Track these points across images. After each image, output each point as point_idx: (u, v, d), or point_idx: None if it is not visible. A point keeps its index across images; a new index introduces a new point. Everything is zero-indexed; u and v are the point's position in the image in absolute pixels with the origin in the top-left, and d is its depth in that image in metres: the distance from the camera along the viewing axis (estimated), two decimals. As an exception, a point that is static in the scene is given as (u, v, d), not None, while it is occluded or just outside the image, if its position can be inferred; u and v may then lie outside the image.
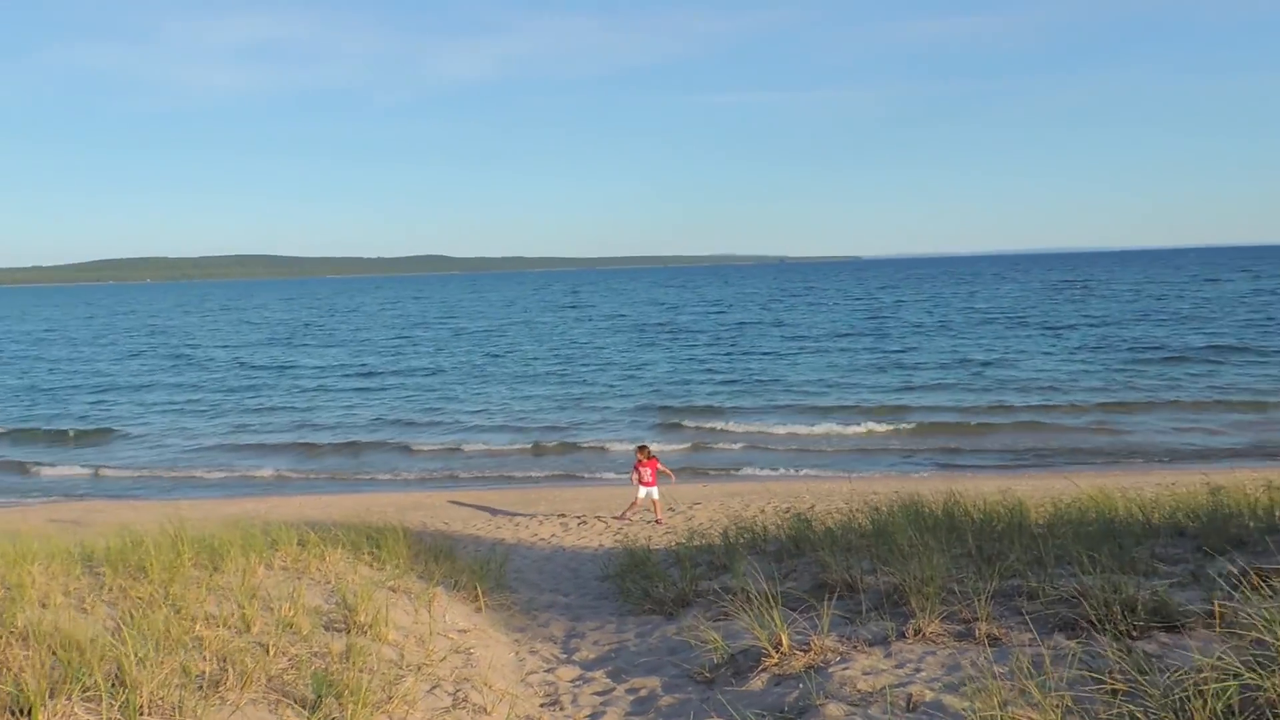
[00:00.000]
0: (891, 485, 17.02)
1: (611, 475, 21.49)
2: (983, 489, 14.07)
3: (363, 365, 45.99)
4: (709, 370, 39.37)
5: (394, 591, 7.92)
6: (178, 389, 39.00)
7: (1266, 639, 3.96)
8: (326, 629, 6.56)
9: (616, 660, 6.82)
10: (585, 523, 15.59)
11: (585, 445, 25.22)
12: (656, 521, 15.23)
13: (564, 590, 10.24)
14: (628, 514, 15.54)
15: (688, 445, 24.78)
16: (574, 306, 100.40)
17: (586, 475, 22.05)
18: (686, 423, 27.73)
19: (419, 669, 6.11)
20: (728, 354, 45.39)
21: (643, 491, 15.46)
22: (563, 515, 16.27)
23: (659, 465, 15.73)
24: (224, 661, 5.41)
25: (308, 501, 18.79)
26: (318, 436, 27.85)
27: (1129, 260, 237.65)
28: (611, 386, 35.73)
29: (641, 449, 16.01)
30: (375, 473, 23.29)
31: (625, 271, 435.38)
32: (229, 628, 6.09)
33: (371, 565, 8.87)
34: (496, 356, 48.13)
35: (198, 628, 5.96)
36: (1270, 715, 3.56)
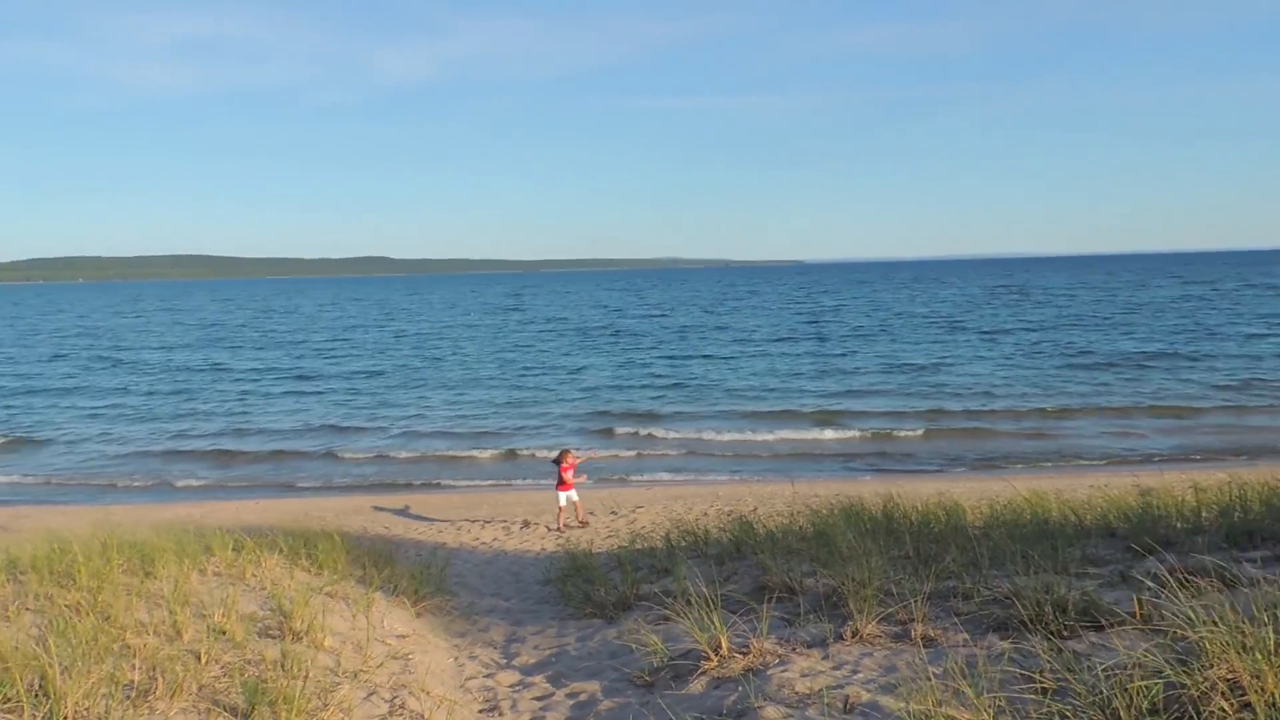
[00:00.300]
0: (833, 488, 17.17)
1: (552, 481, 21.44)
2: (921, 492, 14.29)
3: (299, 368, 45.35)
4: (652, 374, 39.44)
5: (331, 597, 7.81)
6: (106, 392, 38.10)
7: (1190, 636, 4.05)
8: (261, 636, 6.44)
9: (557, 665, 6.80)
10: (527, 526, 15.53)
11: (525, 451, 25.09)
12: (581, 524, 15.28)
13: (505, 594, 10.18)
14: (561, 523, 15.44)
15: (629, 450, 24.79)
16: (516, 309, 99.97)
17: (527, 480, 21.94)
18: (627, 428, 27.70)
19: (355, 675, 6.04)
20: (669, 358, 45.54)
21: (563, 497, 15.48)
22: (504, 520, 16.19)
23: (574, 466, 15.76)
24: (154, 670, 5.29)
25: (244, 506, 18.46)
26: (253, 441, 27.39)
27: (1065, 266, 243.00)
28: (551, 390, 35.64)
29: (563, 453, 16.01)
30: (312, 477, 22.96)
31: (570, 274, 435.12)
32: (159, 635, 5.96)
33: (309, 571, 8.74)
34: (438, 360, 47.74)
35: (127, 636, 5.83)
36: (1193, 712, 3.64)
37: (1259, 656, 3.73)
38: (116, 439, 28.20)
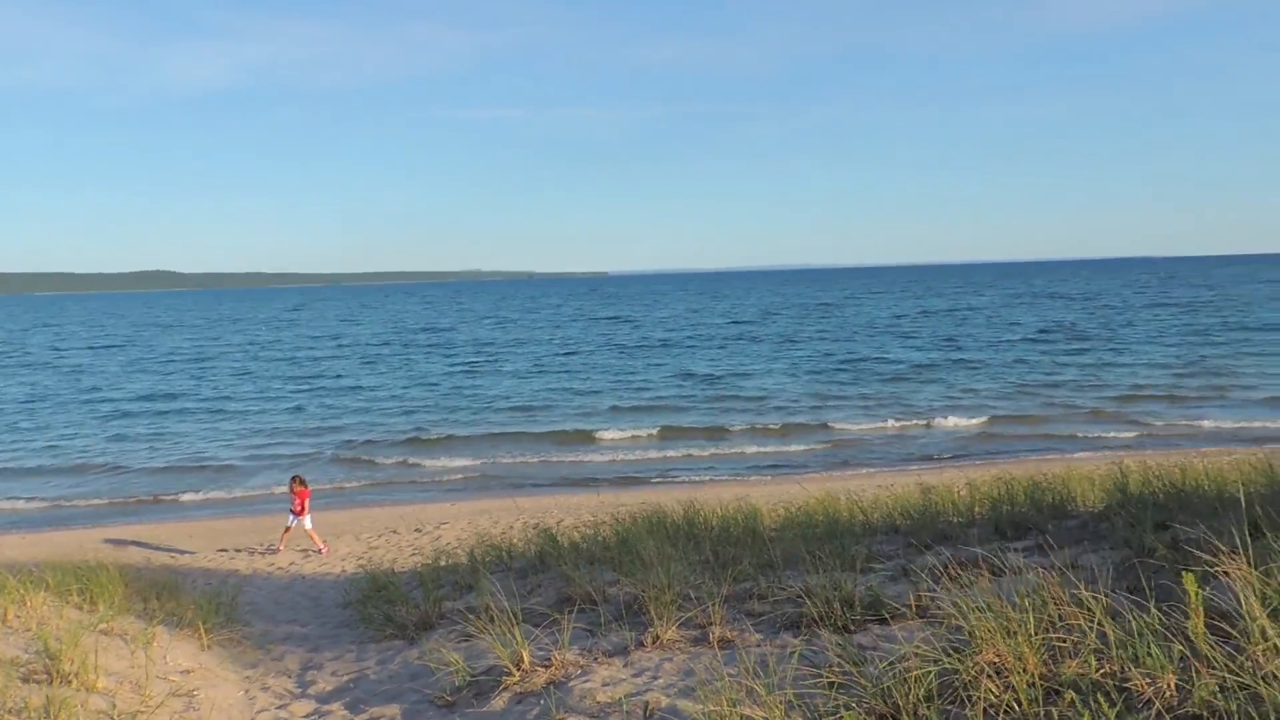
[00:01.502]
0: (638, 496, 17.39)
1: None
2: (722, 496, 14.68)
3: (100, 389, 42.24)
4: (430, 385, 39.39)
5: (106, 634, 7.29)
6: None
7: (962, 625, 4.31)
8: (25, 681, 5.93)
9: (355, 690, 6.57)
10: (323, 550, 14.99)
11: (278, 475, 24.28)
12: (318, 550, 14.92)
13: (302, 620, 9.78)
14: (281, 544, 15.26)
15: (405, 466, 24.48)
16: (296, 324, 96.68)
17: (324, 502, 21.20)
18: (396, 453, 27.14)
19: (134, 717, 5.65)
20: (462, 372, 45.27)
21: (293, 520, 15.20)
22: (301, 545, 15.52)
23: (308, 496, 15.40)
24: (-106, 727, 4.79)
25: (5, 540, 17.00)
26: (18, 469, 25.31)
27: (858, 276, 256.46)
28: (331, 407, 34.75)
29: (295, 480, 15.68)
30: (89, 505, 21.37)
31: (367, 287, 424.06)
32: (-98, 688, 5.40)
33: (81, 607, 8.13)
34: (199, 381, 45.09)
35: None
36: (965, 696, 3.88)
37: (1020, 640, 4.01)
38: None
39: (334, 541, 15.38)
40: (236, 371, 49.22)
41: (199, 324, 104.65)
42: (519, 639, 5.68)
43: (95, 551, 13.87)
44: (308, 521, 15.14)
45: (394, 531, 16.15)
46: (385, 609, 8.47)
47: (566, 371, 44.73)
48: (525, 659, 5.54)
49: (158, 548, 15.68)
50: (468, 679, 5.74)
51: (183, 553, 15.29)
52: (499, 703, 5.30)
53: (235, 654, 7.95)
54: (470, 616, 6.98)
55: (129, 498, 21.84)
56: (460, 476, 23.28)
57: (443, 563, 10.70)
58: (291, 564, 13.95)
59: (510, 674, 5.49)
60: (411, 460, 25.11)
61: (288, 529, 15.20)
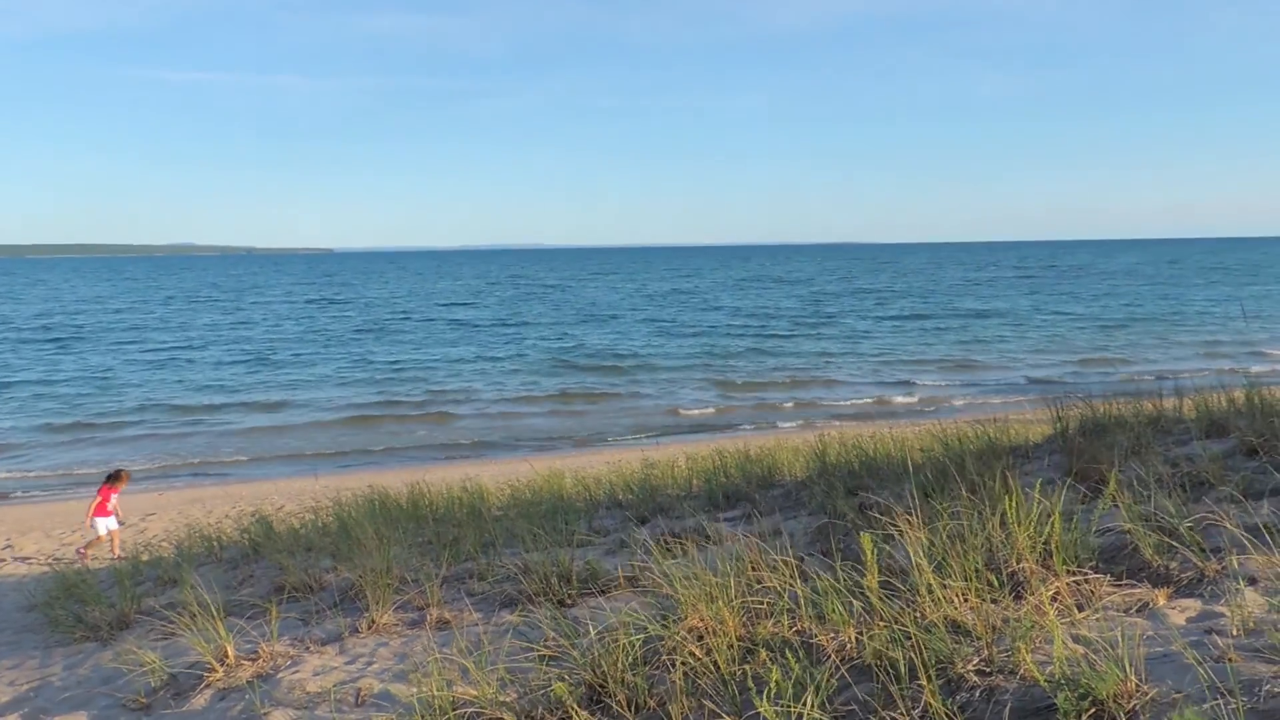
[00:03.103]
0: (364, 480, 16.93)
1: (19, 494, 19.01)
2: (449, 478, 14.53)
3: None
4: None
5: None
6: None
7: (670, 594, 4.49)
8: None
9: (36, 700, 6.01)
10: (11, 546, 13.61)
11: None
12: (117, 558, 12.76)
13: (-24, 628, 8.83)
14: (88, 553, 13.04)
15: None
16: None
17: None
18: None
19: None
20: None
21: (102, 525, 13.28)
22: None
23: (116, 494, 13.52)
24: None
25: None
26: None
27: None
28: None
29: (115, 475, 13.72)
30: None
31: (55, 260, 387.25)
32: None
33: None
34: None
35: None
36: (669, 661, 4.04)
37: (721, 604, 4.23)
38: None
39: (20, 540, 13.98)
40: None
41: None
42: (223, 633, 5.39)
43: None
44: (113, 523, 13.25)
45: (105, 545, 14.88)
46: (76, 610, 7.80)
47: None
48: (230, 653, 5.26)
49: None
50: (165, 678, 5.39)
51: None
52: (200, 701, 5.01)
53: (-111, 670, 7.07)
54: (172, 613, 6.55)
55: None
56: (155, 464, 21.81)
57: (145, 557, 9.98)
58: (-34, 566, 12.58)
59: (213, 670, 5.20)
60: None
61: (101, 535, 13.15)
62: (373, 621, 5.62)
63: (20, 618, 8.97)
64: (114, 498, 13.39)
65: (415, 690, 4.27)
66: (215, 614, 5.57)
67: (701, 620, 4.25)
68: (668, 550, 5.91)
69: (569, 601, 5.57)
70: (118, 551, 12.99)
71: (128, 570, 8.88)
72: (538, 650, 4.36)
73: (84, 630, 7.30)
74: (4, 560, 12.92)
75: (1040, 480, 5.05)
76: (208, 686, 5.13)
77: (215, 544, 9.58)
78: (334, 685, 4.76)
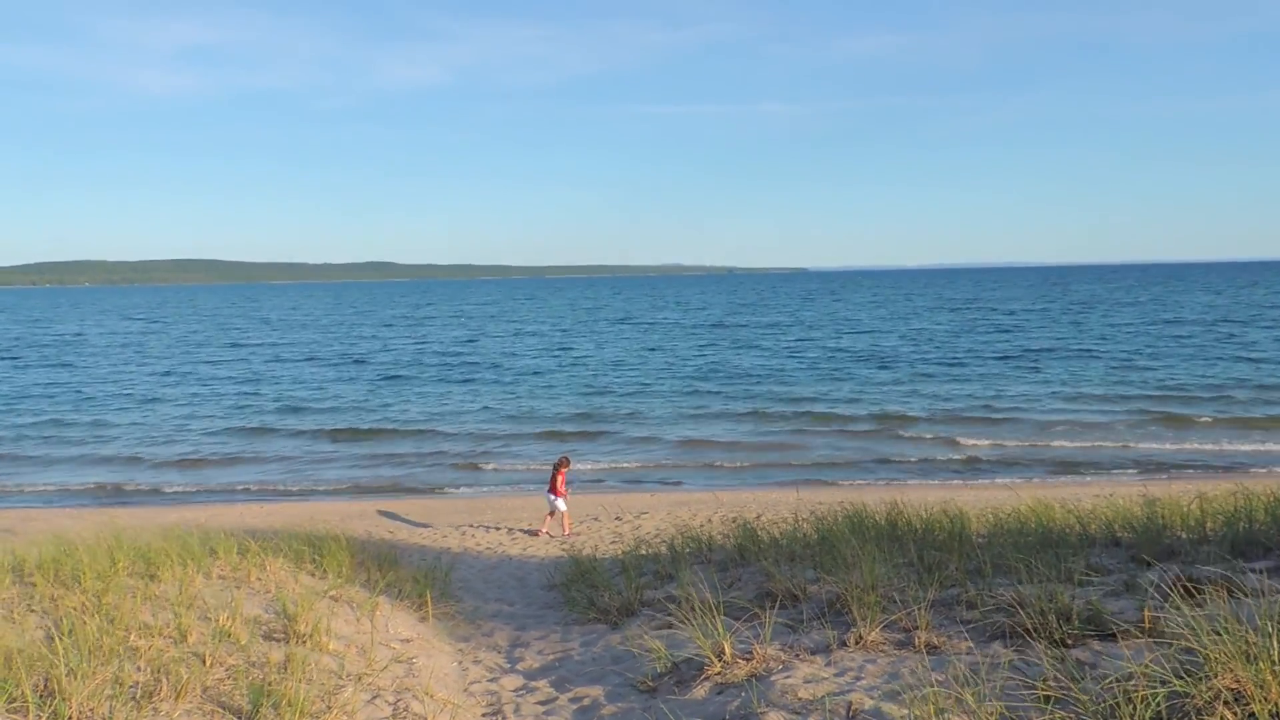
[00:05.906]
0: (837, 495, 17.16)
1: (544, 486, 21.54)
2: (926, 499, 14.26)
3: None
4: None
5: (336, 601, 7.83)
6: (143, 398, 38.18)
7: (1195, 647, 4.05)
8: (265, 639, 6.46)
9: (560, 670, 6.80)
10: (532, 532, 15.54)
11: (520, 456, 25.13)
12: (565, 534, 15.19)
13: (509, 599, 10.19)
14: (545, 529, 15.47)
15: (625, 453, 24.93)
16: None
17: (532, 487, 21.96)
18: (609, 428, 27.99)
19: (359, 679, 6.04)
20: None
21: (561, 503, 15.43)
22: (508, 525, 16.18)
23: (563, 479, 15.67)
24: (158, 672, 5.30)
25: (249, 510, 18.50)
26: (263, 444, 27.45)
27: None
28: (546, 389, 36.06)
29: (563, 460, 16.00)
30: (316, 482, 22.94)
31: (574, 280, 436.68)
32: (164, 638, 5.98)
33: (313, 574, 8.76)
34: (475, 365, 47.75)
35: (132, 638, 5.85)
36: (1196, 721, 3.64)
37: (1263, 666, 3.73)
38: (140, 437, 28.42)
39: (535, 526, 15.92)
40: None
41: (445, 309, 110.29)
42: (720, 630, 5.73)
43: (325, 522, 14.90)
44: (562, 504, 15.46)
45: (595, 519, 16.55)
46: (589, 593, 8.72)
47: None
48: (727, 650, 5.57)
49: (398, 519, 16.71)
50: (669, 666, 5.84)
51: (416, 525, 16.26)
52: (700, 691, 5.36)
53: (449, 627, 8.36)
54: (671, 606, 7.08)
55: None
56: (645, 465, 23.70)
57: (643, 551, 10.89)
58: (499, 545, 14.53)
59: (711, 664, 5.54)
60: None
61: (550, 513, 15.52)
62: (860, 637, 5.66)
63: (543, 595, 10.21)
64: (561, 480, 15.53)
65: (908, 712, 4.23)
66: (715, 611, 5.93)
67: (1237, 681, 3.77)
68: (1190, 598, 5.33)
69: (1069, 642, 5.21)
70: (569, 529, 15.32)
71: (632, 562, 9.75)
72: (1039, 689, 4.13)
73: (596, 612, 8.13)
74: (515, 539, 14.78)
75: None
76: (706, 679, 5.48)
77: (705, 546, 10.20)
78: (825, 695, 4.85)
